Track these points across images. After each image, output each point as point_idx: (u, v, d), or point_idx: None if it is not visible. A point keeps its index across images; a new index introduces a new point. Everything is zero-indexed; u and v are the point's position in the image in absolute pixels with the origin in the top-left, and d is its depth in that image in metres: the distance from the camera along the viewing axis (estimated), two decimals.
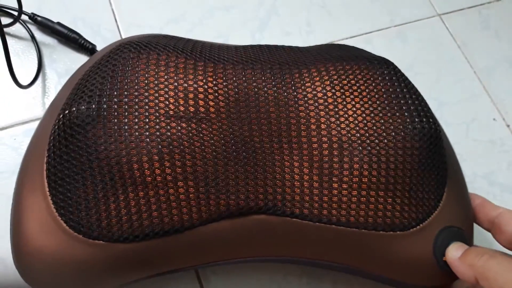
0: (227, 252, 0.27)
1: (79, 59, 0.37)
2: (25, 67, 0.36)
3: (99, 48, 0.37)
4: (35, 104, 0.35)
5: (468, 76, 0.42)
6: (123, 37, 0.38)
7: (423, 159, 0.26)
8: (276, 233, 0.26)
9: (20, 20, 0.36)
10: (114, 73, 0.25)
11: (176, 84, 0.25)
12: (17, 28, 0.36)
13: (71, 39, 0.36)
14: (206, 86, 0.26)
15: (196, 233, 0.25)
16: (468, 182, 0.30)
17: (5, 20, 0.36)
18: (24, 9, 0.34)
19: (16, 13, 0.35)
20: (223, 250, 0.27)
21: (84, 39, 0.36)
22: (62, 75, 0.36)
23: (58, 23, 0.36)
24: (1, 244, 0.28)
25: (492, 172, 0.38)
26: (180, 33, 0.39)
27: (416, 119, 0.26)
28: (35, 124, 0.29)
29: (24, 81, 0.33)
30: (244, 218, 0.25)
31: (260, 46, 0.30)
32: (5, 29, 0.36)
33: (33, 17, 0.36)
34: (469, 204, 0.29)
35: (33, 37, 0.36)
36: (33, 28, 0.37)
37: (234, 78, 0.26)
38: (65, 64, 0.36)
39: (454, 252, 0.25)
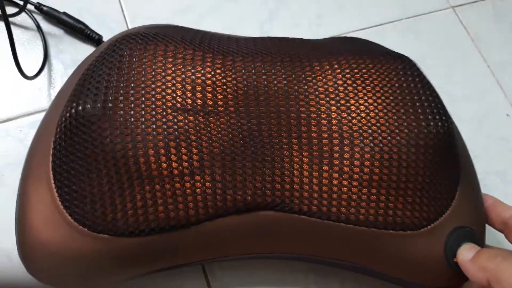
0: (234, 248, 0.27)
1: (86, 50, 0.36)
2: (31, 58, 0.35)
3: (105, 38, 0.36)
4: (41, 95, 0.34)
5: (481, 70, 0.41)
6: (130, 27, 0.37)
7: (436, 158, 0.25)
8: (283, 230, 0.26)
9: (26, 10, 0.36)
10: (120, 64, 0.25)
11: (183, 76, 0.25)
12: (23, 18, 0.36)
13: (77, 30, 0.36)
14: (214, 79, 0.25)
15: (203, 228, 0.24)
16: (480, 179, 0.29)
17: (11, 10, 0.35)
18: None
19: (21, 3, 0.34)
20: (230, 246, 0.26)
21: (90, 29, 0.36)
22: (68, 66, 0.35)
23: (64, 13, 0.36)
24: (6, 237, 0.28)
25: (504, 170, 0.37)
26: (187, 25, 0.38)
27: (430, 117, 0.26)
28: (41, 116, 0.28)
29: (30, 72, 0.33)
30: (251, 214, 0.25)
31: (270, 38, 0.30)
32: (11, 19, 0.35)
33: (39, 7, 0.36)
34: (482, 204, 0.28)
35: (39, 27, 0.36)
36: (39, 18, 0.36)
37: (243, 71, 0.26)
38: (71, 55, 0.36)
39: (466, 253, 0.24)
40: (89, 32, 0.36)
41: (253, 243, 0.26)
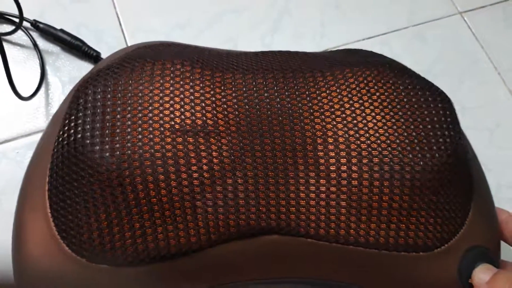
0: (238, 274, 0.26)
1: (84, 67, 0.35)
2: (28, 76, 0.34)
3: (104, 55, 0.35)
4: (38, 115, 0.34)
5: (492, 78, 0.39)
6: (129, 43, 0.37)
7: (450, 176, 0.24)
8: (289, 254, 0.25)
9: (22, 27, 0.35)
10: (116, 86, 0.24)
11: (182, 96, 0.24)
12: (19, 36, 0.35)
13: (74, 47, 0.35)
14: (214, 98, 0.24)
15: (205, 255, 0.24)
16: (493, 192, 0.28)
17: (7, 28, 0.34)
18: (25, 15, 0.33)
19: (17, 20, 0.33)
20: (234, 271, 0.25)
21: (88, 46, 0.35)
22: (65, 84, 0.35)
23: (61, 30, 0.35)
24: (3, 264, 0.27)
25: None
26: (187, 38, 0.37)
27: (442, 133, 0.24)
28: (38, 136, 0.28)
29: (27, 90, 0.32)
30: (256, 238, 0.24)
31: (272, 52, 0.29)
32: (7, 37, 0.35)
33: (35, 24, 0.35)
34: (496, 221, 0.27)
35: (35, 45, 0.35)
36: (35, 36, 0.36)
37: (244, 89, 0.25)
38: (69, 73, 0.35)
39: (482, 275, 0.23)
40: (86, 49, 0.35)
41: (258, 269, 0.25)
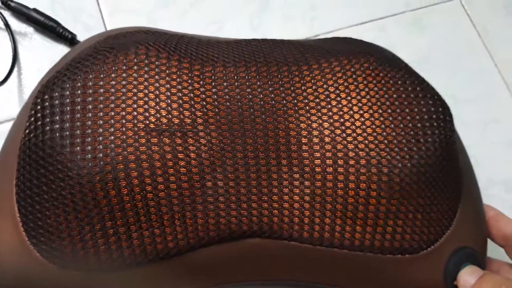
0: (219, 278, 0.25)
1: (59, 50, 0.33)
2: (0, 58, 0.32)
3: (80, 37, 0.33)
4: (10, 102, 0.32)
5: (488, 68, 0.38)
6: (106, 23, 0.34)
7: (438, 177, 0.23)
8: (272, 257, 0.24)
9: None
10: (86, 81, 0.22)
11: (157, 92, 0.22)
12: None
13: (48, 28, 0.32)
14: (191, 94, 0.22)
15: (185, 260, 0.23)
16: (483, 188, 0.27)
17: None
18: None
19: None
20: (215, 275, 0.25)
21: (63, 27, 0.33)
22: (40, 68, 0.33)
23: (34, 10, 0.33)
24: None
25: (509, 179, 0.35)
26: (170, 19, 0.35)
27: (430, 132, 0.23)
28: (10, 125, 0.26)
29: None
30: (237, 242, 0.23)
31: (255, 40, 0.27)
32: None
33: (6, 3, 0.32)
34: (483, 220, 0.26)
35: (7, 25, 0.33)
36: (6, 15, 0.33)
37: (225, 83, 0.23)
38: (42, 56, 0.33)
39: (467, 277, 0.23)
40: (61, 30, 0.32)
41: (240, 272, 0.25)
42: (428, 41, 0.38)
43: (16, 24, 0.33)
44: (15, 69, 0.32)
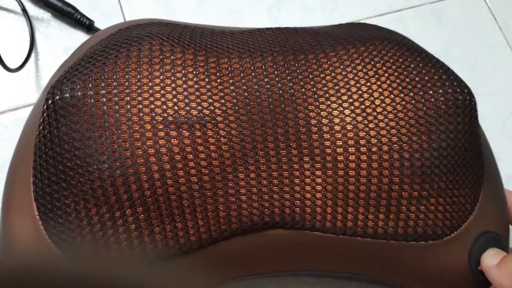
0: (241, 270, 0.25)
1: (77, 36, 0.33)
2: (16, 45, 0.32)
3: (97, 23, 0.33)
4: (28, 87, 0.31)
5: (508, 64, 0.37)
6: (124, 10, 0.34)
7: (460, 160, 0.23)
8: (295, 248, 0.24)
9: None
10: (99, 76, 0.21)
11: (173, 85, 0.22)
12: (6, 1, 0.32)
13: (66, 13, 0.32)
14: (209, 86, 0.22)
15: (206, 253, 0.23)
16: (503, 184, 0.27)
17: None
18: None
19: None
20: (237, 268, 0.24)
21: (80, 13, 0.32)
22: (57, 54, 0.32)
23: None
24: None
25: None
26: (187, 7, 0.35)
27: (452, 115, 0.23)
28: (28, 111, 0.25)
29: (16, 61, 0.30)
30: (259, 233, 0.23)
31: (269, 29, 0.26)
32: None
33: None
34: (506, 205, 0.26)
35: (24, 10, 0.32)
36: (24, 0, 0.33)
37: (242, 74, 0.23)
38: (60, 42, 0.33)
39: (490, 259, 0.23)
40: (79, 16, 0.32)
41: (262, 263, 0.24)
42: (447, 34, 0.37)
43: (33, 10, 0.33)
44: (32, 55, 0.32)
